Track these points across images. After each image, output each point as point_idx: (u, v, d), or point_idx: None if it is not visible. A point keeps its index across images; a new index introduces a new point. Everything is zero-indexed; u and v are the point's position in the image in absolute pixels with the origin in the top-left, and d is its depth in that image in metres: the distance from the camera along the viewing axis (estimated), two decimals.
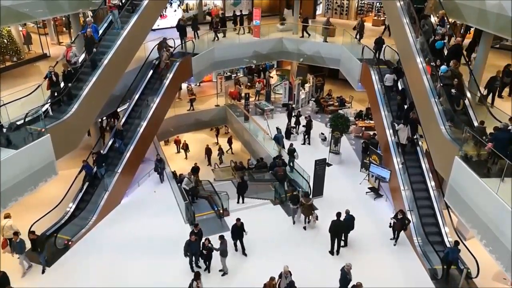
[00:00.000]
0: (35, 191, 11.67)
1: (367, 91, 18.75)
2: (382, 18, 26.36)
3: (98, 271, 12.33)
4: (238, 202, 15.78)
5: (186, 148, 22.99)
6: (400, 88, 16.94)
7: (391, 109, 16.28)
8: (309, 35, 22.57)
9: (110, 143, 16.08)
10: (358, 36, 21.01)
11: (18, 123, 11.55)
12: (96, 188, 14.78)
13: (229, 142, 23.73)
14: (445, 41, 13.94)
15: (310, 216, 14.28)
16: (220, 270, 12.37)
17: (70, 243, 13.22)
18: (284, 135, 19.86)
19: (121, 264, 12.61)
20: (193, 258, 12.32)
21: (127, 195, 15.93)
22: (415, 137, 15.18)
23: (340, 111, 21.36)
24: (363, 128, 21.26)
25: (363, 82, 18.75)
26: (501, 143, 9.91)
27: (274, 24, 24.02)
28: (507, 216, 8.66)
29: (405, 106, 15.90)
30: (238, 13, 24.32)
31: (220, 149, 22.78)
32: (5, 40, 19.28)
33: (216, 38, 21.43)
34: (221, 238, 12.08)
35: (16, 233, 11.60)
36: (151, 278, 12.11)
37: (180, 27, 19.51)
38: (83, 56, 14.72)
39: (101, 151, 15.45)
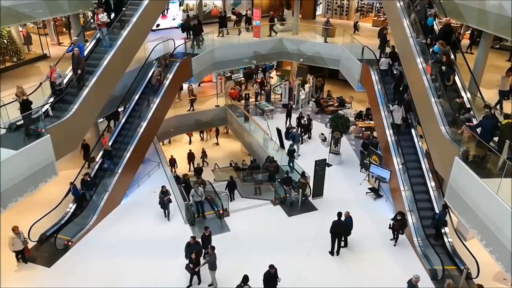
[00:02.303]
0: (35, 191, 11.62)
1: (367, 91, 18.74)
2: (382, 19, 26.39)
3: (98, 271, 12.31)
4: (230, 200, 15.93)
5: (174, 163, 21.08)
6: (394, 72, 17.14)
7: (386, 92, 16.58)
8: (276, 33, 22.99)
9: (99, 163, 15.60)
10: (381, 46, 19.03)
11: (18, 123, 11.55)
12: (83, 209, 14.23)
13: None
14: (435, 21, 14.65)
15: (306, 189, 15.53)
16: (209, 285, 11.83)
17: (70, 243, 13.21)
18: (284, 136, 19.90)
19: (121, 264, 12.60)
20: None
21: (127, 196, 15.93)
22: (408, 117, 15.63)
23: (340, 112, 21.36)
24: (363, 129, 21.25)
25: (363, 82, 18.74)
26: (486, 129, 10.19)
27: (274, 24, 23.97)
28: (507, 216, 8.65)
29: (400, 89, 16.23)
30: (240, 13, 24.26)
31: (203, 152, 22.71)
32: (5, 41, 19.31)
33: (198, 45, 20.53)
34: (212, 249, 11.47)
35: None
36: (151, 278, 12.09)
37: (189, 27, 19.70)
38: (69, 76, 14.17)
39: (90, 175, 14.75)
